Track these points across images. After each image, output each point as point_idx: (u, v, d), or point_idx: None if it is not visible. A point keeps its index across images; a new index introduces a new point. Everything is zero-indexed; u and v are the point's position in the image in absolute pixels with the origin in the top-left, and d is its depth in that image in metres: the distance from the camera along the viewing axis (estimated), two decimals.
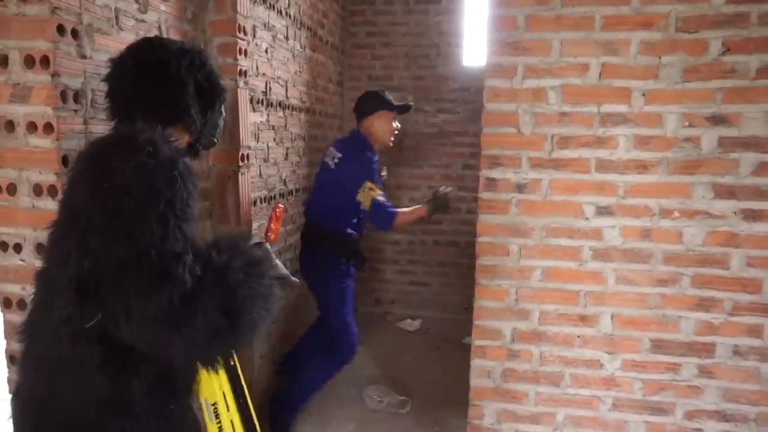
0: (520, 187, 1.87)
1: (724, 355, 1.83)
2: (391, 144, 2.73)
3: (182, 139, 1.22)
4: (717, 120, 1.75)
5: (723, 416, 1.85)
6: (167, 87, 1.18)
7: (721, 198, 1.77)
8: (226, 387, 1.23)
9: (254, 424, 1.28)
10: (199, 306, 0.92)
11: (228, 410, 1.21)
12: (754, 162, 1.74)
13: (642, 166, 1.80)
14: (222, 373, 1.23)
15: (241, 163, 2.24)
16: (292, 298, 3.23)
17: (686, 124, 1.77)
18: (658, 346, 1.86)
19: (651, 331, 1.86)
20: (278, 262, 1.21)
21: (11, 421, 1.09)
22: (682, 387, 1.86)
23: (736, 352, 1.82)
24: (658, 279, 1.83)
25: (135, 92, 1.17)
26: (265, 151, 2.78)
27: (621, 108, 1.80)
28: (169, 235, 0.93)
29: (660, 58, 1.76)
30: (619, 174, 1.82)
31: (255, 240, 1.18)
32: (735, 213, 1.77)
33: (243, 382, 1.29)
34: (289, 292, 1.22)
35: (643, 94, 1.78)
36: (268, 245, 1.24)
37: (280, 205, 1.39)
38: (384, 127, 2.67)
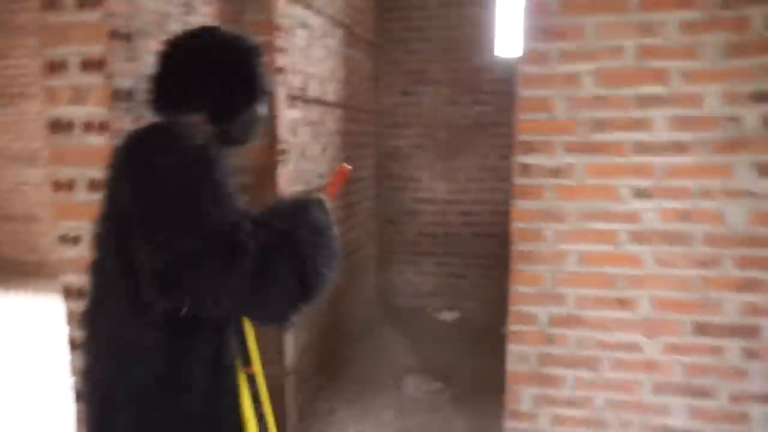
0: (554, 172, 1.88)
1: None
2: None
3: (209, 128, 1.20)
4: (760, 97, 1.70)
5: None
6: (206, 73, 1.16)
7: (766, 177, 1.72)
8: (246, 391, 1.23)
9: (266, 423, 1.29)
10: (272, 271, 0.98)
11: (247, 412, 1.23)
12: None
13: (681, 148, 1.77)
14: (242, 377, 1.24)
15: (279, 158, 2.32)
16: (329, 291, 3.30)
17: (727, 103, 1.73)
18: (700, 328, 1.83)
19: (693, 313, 1.83)
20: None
21: (81, 398, 1.18)
22: (726, 370, 1.82)
23: None
24: (699, 261, 1.80)
25: (174, 74, 1.18)
26: (303, 146, 2.86)
27: (658, 90, 1.77)
28: (225, 212, 0.98)
29: (700, 36, 1.72)
30: (657, 156, 1.79)
31: (316, 197, 1.19)
32: None
33: (263, 391, 1.31)
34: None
35: (682, 74, 1.75)
36: (328, 203, 1.23)
37: (348, 166, 1.34)
38: None
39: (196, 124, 1.14)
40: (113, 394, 1.11)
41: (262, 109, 1.28)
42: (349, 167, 1.34)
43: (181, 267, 0.95)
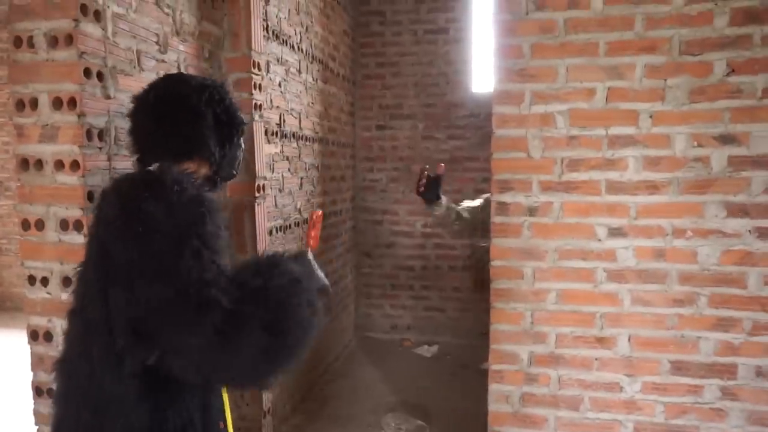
0: (531, 211, 1.89)
1: (747, 376, 1.80)
2: None
3: (200, 172, 1.24)
4: (726, 139, 1.76)
5: None
6: (186, 120, 1.20)
7: (735, 216, 1.77)
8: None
9: None
10: (242, 327, 0.94)
11: None
12: (766, 180, 1.74)
13: (653, 187, 1.82)
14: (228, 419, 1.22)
15: (257, 194, 2.30)
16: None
17: (695, 144, 1.78)
18: (678, 367, 1.84)
19: (670, 352, 1.84)
20: (318, 271, 1.20)
21: None
22: (704, 410, 1.83)
23: (759, 373, 1.79)
24: (675, 299, 1.82)
25: (155, 126, 1.20)
26: (280, 181, 2.84)
27: (629, 130, 1.82)
28: (204, 268, 0.96)
29: (665, 80, 1.79)
30: (630, 195, 1.83)
31: (295, 252, 1.20)
32: (749, 231, 1.76)
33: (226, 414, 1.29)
34: (328, 301, 1.22)
35: (651, 116, 1.81)
36: (310, 253, 1.23)
37: (319, 211, 1.37)
38: None
39: (190, 171, 1.14)
40: None
41: (242, 141, 1.35)
42: (320, 212, 1.37)
43: (151, 318, 0.94)
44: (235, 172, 1.36)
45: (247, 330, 0.95)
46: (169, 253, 0.96)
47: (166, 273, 0.94)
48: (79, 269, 1.10)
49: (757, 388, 1.80)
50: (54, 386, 1.13)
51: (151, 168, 1.15)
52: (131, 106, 1.26)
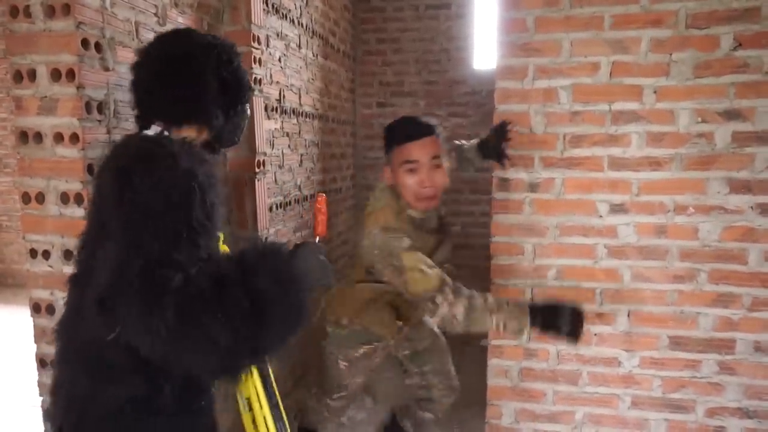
0: (533, 187, 1.89)
1: (745, 351, 1.82)
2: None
3: (201, 137, 1.19)
4: (730, 115, 1.75)
5: (746, 413, 1.84)
6: (189, 82, 1.14)
7: (737, 193, 1.76)
8: (258, 384, 1.24)
9: (284, 422, 1.29)
10: (197, 321, 0.89)
11: (261, 407, 1.23)
12: None
13: (655, 163, 1.81)
14: (254, 371, 1.23)
15: (257, 170, 2.28)
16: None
17: (699, 120, 1.77)
18: (676, 343, 1.85)
19: (669, 328, 1.85)
20: (321, 262, 1.08)
21: (51, 416, 1.13)
22: (702, 384, 1.85)
23: (758, 348, 1.81)
24: (675, 275, 1.83)
25: (156, 85, 1.15)
26: (280, 157, 2.83)
27: (633, 105, 1.81)
28: (179, 248, 0.92)
29: (671, 54, 1.76)
30: (632, 171, 1.82)
31: (299, 242, 1.12)
32: (752, 208, 1.76)
33: (273, 382, 1.30)
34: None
35: (655, 92, 1.79)
36: (317, 241, 1.15)
37: (322, 194, 1.28)
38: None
39: (187, 139, 1.10)
40: (86, 412, 1.07)
41: (247, 107, 1.29)
42: (323, 195, 1.30)
43: (115, 287, 0.92)
44: (237, 140, 1.31)
45: (201, 325, 0.89)
46: (145, 226, 0.93)
47: (137, 246, 0.91)
48: (82, 236, 1.10)
49: (754, 362, 1.81)
50: (54, 350, 1.14)
51: (149, 132, 1.12)
52: (135, 58, 1.19)
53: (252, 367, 1.06)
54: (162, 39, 1.21)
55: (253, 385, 1.23)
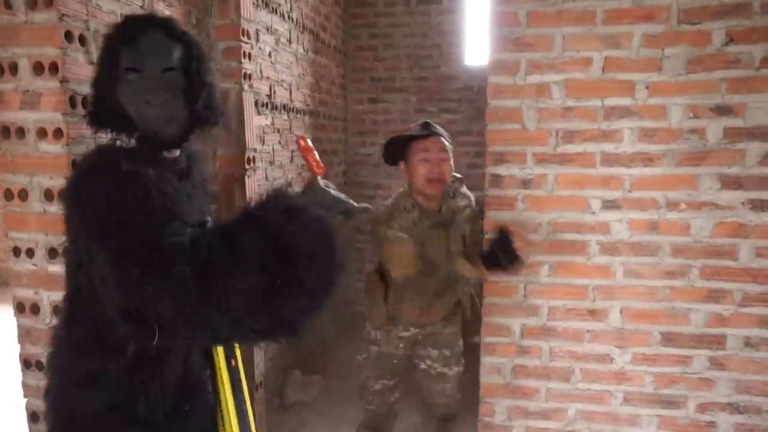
0: (526, 183, 1.88)
1: (736, 346, 1.82)
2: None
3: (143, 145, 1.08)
4: (722, 110, 1.75)
5: (736, 408, 1.84)
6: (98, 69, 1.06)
7: (728, 189, 1.76)
8: (228, 387, 1.17)
9: (249, 425, 1.26)
10: (219, 269, 0.80)
11: (227, 410, 1.19)
12: (760, 152, 1.73)
13: (647, 159, 1.80)
14: (224, 371, 1.19)
15: (247, 166, 2.26)
16: None
17: (691, 115, 1.77)
18: (668, 339, 1.85)
19: (661, 324, 1.85)
20: (335, 193, 1.01)
21: (37, 418, 1.14)
22: (693, 380, 1.86)
23: (748, 343, 1.81)
24: (667, 271, 1.83)
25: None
26: (271, 153, 2.80)
27: (625, 101, 1.80)
28: (163, 228, 0.87)
29: (663, 50, 1.76)
30: (624, 167, 1.82)
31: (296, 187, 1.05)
32: (743, 203, 1.76)
33: (244, 386, 1.27)
34: (358, 219, 1.08)
35: (647, 87, 1.78)
36: (320, 180, 1.06)
37: (301, 135, 1.17)
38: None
39: (119, 143, 1.07)
40: (73, 419, 1.07)
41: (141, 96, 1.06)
42: (302, 136, 1.19)
43: (136, 296, 0.85)
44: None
45: (231, 270, 0.80)
46: (123, 228, 0.88)
47: (121, 244, 0.86)
48: (66, 252, 1.09)
49: (745, 357, 1.82)
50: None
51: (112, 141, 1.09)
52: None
53: (311, 318, 0.90)
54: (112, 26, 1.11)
55: (222, 386, 1.19)
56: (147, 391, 1.03)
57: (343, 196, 1.04)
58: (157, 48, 1.03)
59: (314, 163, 1.12)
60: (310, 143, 1.15)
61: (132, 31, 1.03)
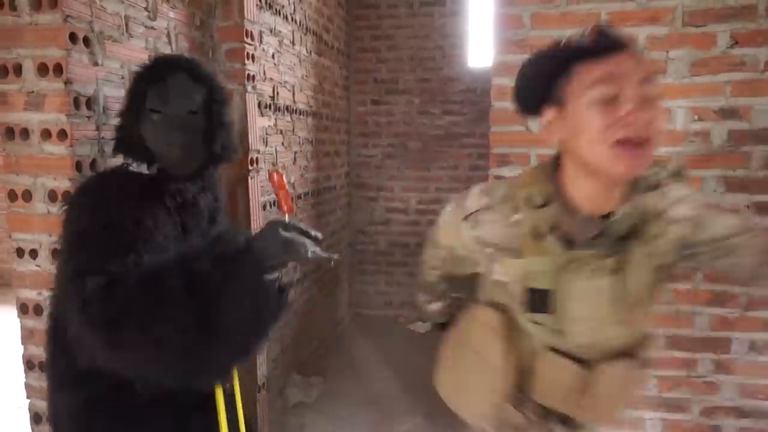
0: None
1: (740, 350, 1.81)
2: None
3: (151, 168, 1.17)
4: (726, 113, 1.74)
5: (741, 412, 1.83)
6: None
7: (733, 191, 1.76)
8: (222, 409, 1.16)
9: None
10: (126, 318, 0.86)
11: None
12: (765, 155, 1.73)
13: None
14: (219, 395, 1.16)
15: (250, 167, 2.25)
16: (300, 302, 3.24)
17: (695, 118, 1.76)
18: (672, 342, 1.85)
19: (665, 326, 1.84)
20: (287, 234, 0.91)
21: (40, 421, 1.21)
22: (697, 383, 1.85)
23: (752, 347, 1.80)
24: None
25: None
26: (274, 155, 2.80)
27: None
28: (107, 257, 0.93)
29: (667, 52, 1.75)
30: None
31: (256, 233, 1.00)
32: (747, 206, 1.75)
33: (239, 411, 1.27)
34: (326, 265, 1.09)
35: None
36: (284, 219, 1.02)
37: (277, 170, 1.19)
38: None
39: (126, 166, 1.17)
40: (59, 415, 1.12)
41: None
42: (278, 171, 1.20)
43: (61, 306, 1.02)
44: (172, 164, 1.13)
45: (132, 321, 0.86)
46: (78, 242, 0.98)
47: (69, 259, 0.98)
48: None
49: (749, 361, 1.81)
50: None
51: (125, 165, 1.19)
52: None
53: (231, 365, 0.98)
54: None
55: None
56: (103, 388, 1.05)
57: (297, 242, 0.91)
58: (182, 91, 1.09)
59: (282, 201, 1.14)
60: (285, 179, 1.15)
61: (159, 74, 1.10)
